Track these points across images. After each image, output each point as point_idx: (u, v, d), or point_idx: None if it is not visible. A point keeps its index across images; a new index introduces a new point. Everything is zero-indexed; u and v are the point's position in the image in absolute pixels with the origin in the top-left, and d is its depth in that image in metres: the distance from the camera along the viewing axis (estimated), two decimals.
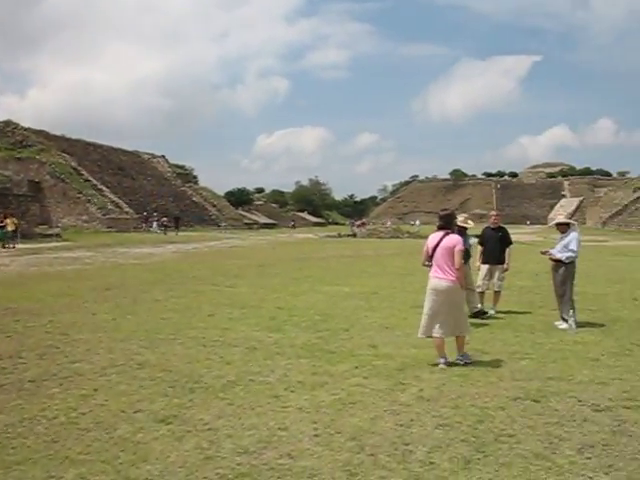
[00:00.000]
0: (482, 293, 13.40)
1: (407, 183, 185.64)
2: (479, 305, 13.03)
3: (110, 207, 65.77)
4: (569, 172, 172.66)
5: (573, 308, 11.41)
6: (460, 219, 13.87)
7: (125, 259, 29.52)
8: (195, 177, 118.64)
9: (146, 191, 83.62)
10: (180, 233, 64.83)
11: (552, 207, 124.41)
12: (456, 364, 8.61)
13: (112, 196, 68.94)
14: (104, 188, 69.60)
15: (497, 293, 13.57)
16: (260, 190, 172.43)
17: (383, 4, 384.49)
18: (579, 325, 11.30)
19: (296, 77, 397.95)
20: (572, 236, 11.46)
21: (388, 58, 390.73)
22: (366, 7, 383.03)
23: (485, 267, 13.50)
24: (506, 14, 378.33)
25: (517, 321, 12.18)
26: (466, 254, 10.54)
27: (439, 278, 8.65)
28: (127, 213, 67.79)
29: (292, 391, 7.40)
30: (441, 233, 8.86)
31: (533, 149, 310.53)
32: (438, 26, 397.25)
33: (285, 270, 23.58)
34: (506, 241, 13.63)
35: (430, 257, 8.88)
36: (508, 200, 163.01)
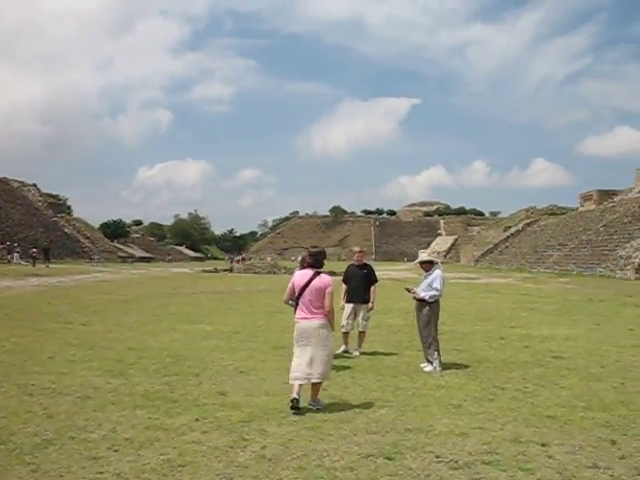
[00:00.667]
0: (346, 333, 12.73)
1: (287, 219, 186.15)
2: (343, 346, 12.39)
3: None
4: (445, 211, 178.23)
5: (438, 349, 10.89)
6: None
7: None
8: (69, 207, 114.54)
9: (13, 220, 79.44)
10: (50, 265, 61.56)
11: (429, 244, 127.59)
12: (309, 410, 7.95)
13: None
14: None
15: (362, 334, 12.90)
16: (138, 222, 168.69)
17: (269, 41, 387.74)
18: (444, 367, 10.81)
19: (180, 110, 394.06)
20: (436, 274, 10.97)
21: (272, 94, 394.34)
22: (252, 43, 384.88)
23: (349, 306, 12.82)
24: (389, 58, 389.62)
25: (382, 363, 11.53)
26: None
27: (308, 319, 8.12)
28: None
29: (116, 450, 6.40)
30: (310, 272, 8.29)
31: (411, 188, 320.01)
32: (323, 65, 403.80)
33: (148, 307, 22.31)
34: (371, 279, 12.97)
35: (297, 297, 8.27)
36: (386, 237, 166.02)
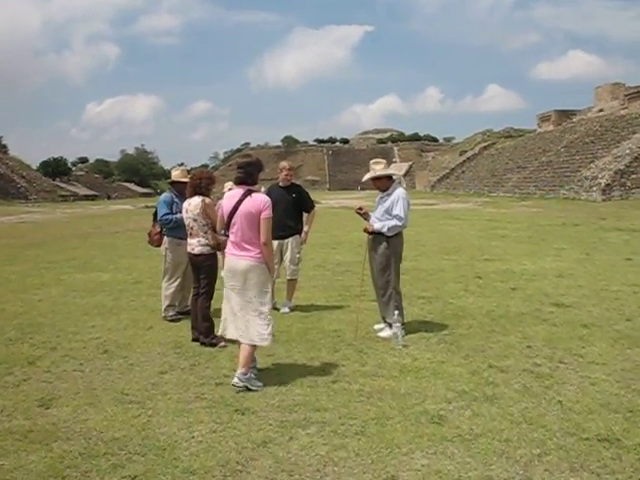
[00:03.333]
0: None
1: (239, 150, 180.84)
2: None
3: None
4: (399, 138, 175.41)
5: (399, 305, 7.53)
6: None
7: None
8: (4, 146, 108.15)
9: None
10: None
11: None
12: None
13: None
14: None
15: (291, 282, 9.46)
16: (84, 160, 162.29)
17: None
18: (409, 328, 7.51)
19: (127, 43, 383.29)
20: (396, 195, 7.48)
21: (222, 24, 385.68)
22: None
23: (274, 243, 9.26)
24: None
25: (318, 326, 8.15)
26: None
27: (237, 256, 5.92)
28: None
29: None
30: (239, 191, 5.98)
31: (365, 117, 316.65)
32: None
33: (50, 252, 18.58)
34: (304, 205, 9.44)
35: (226, 226, 6.03)
36: (340, 166, 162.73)
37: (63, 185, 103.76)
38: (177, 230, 8.51)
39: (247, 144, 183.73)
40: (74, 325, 8.37)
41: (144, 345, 7.25)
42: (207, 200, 7.45)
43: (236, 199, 5.90)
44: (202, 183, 7.54)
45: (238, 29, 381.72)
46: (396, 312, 7.12)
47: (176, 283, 8.72)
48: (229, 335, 6.01)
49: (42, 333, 7.94)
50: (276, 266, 9.13)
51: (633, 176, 43.22)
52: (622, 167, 43.45)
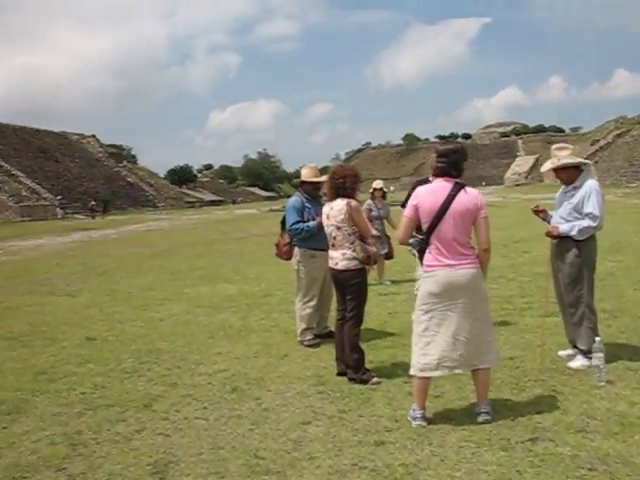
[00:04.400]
0: None
1: (360, 150, 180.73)
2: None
3: (25, 194, 58.89)
4: (522, 131, 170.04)
5: (595, 328, 5.94)
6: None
7: None
8: (133, 157, 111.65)
9: (73, 174, 76.43)
10: (108, 217, 58.20)
11: (508, 166, 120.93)
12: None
13: (28, 182, 61.96)
14: (19, 173, 62.57)
15: None
16: (208, 167, 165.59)
17: None
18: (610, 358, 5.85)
19: (247, 51, 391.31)
20: (589, 187, 5.87)
21: (338, 27, 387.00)
22: None
23: None
24: None
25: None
26: None
27: (452, 266, 4.66)
28: (46, 199, 60.85)
29: None
30: (448, 185, 4.74)
31: (486, 111, 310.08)
32: None
33: (175, 261, 17.90)
34: None
35: (427, 230, 4.72)
36: None
37: (189, 192, 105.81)
38: (311, 240, 7.27)
39: (368, 144, 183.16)
40: (197, 351, 7.26)
41: (279, 381, 6.00)
42: (353, 203, 6.00)
43: (444, 194, 4.66)
44: (347, 182, 6.06)
45: (354, 30, 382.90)
46: (597, 339, 5.53)
47: (313, 302, 7.43)
48: (444, 372, 4.81)
49: (161, 363, 6.86)
50: None
51: None
52: None
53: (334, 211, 6.03)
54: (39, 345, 8.04)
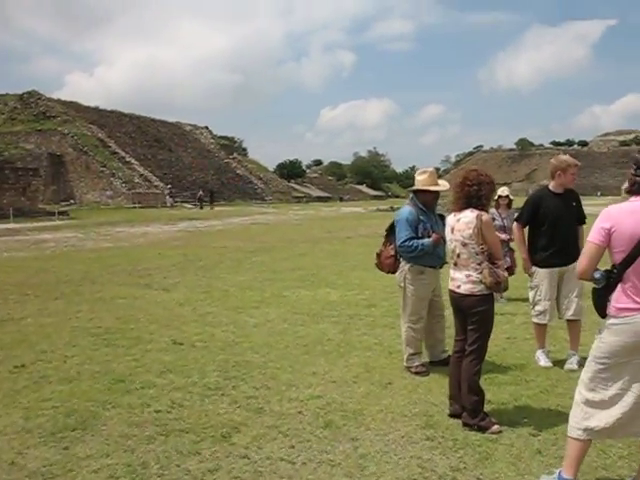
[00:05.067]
0: (544, 327, 6.90)
1: (471, 154, 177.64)
2: (540, 353, 6.87)
3: (137, 181, 60.16)
4: None
5: None
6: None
7: (96, 243, 23.62)
8: (244, 149, 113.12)
9: (184, 163, 77.78)
10: (216, 208, 58.74)
11: (626, 176, 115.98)
12: None
13: (141, 169, 63.33)
14: (133, 161, 64.04)
15: (575, 324, 6.88)
16: (318, 162, 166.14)
17: None
18: None
19: (362, 49, 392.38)
20: None
21: (454, 28, 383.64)
22: None
23: (548, 272, 6.73)
24: None
25: None
26: None
27: None
28: (157, 187, 62.01)
29: None
30: None
31: (605, 118, 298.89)
32: None
33: (276, 258, 17.26)
34: (581, 215, 6.92)
35: (623, 263, 3.65)
36: (577, 170, 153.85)
37: (297, 187, 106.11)
38: (422, 257, 6.35)
39: (480, 147, 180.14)
40: (290, 369, 6.46)
41: (380, 417, 5.10)
42: (485, 217, 4.99)
43: None
44: (482, 191, 5.01)
45: (471, 31, 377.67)
46: None
47: (419, 325, 6.48)
48: (623, 436, 3.95)
49: (249, 380, 6.10)
50: (549, 302, 6.70)
51: None
52: None
53: (461, 224, 5.02)
54: (123, 346, 7.47)
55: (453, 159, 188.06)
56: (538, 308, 6.73)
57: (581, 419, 3.76)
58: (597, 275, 3.70)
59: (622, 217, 3.64)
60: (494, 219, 9.66)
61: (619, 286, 3.67)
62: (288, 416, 5.14)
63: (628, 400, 3.64)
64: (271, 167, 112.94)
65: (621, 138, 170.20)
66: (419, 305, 6.45)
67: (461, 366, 5.02)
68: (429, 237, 6.24)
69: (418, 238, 6.28)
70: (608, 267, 3.69)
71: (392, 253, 6.58)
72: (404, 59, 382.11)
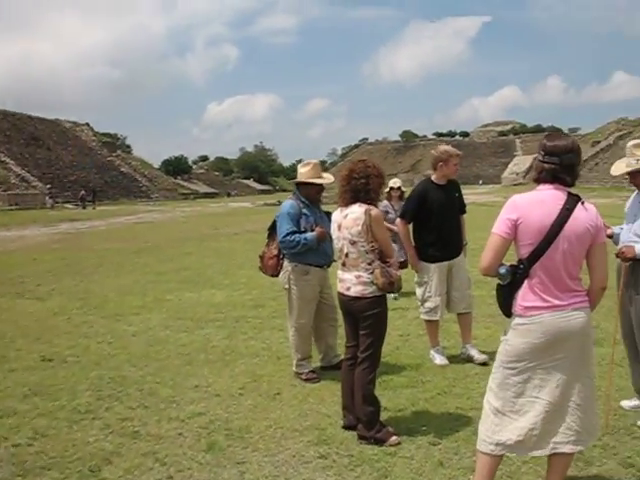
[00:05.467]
0: (435, 323, 6.62)
1: (357, 146, 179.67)
2: (433, 352, 6.56)
3: (14, 181, 57.40)
4: (520, 130, 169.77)
5: None
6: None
7: None
8: (128, 146, 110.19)
9: (64, 162, 74.86)
10: (99, 208, 56.67)
11: (505, 166, 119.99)
12: None
13: (18, 169, 60.48)
14: (8, 160, 61.09)
15: (466, 316, 6.70)
16: (204, 158, 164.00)
17: None
18: None
19: (246, 44, 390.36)
20: None
21: (337, 22, 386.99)
22: None
23: (437, 267, 6.50)
24: None
25: None
26: None
27: (560, 308, 3.32)
28: (35, 188, 59.35)
29: None
30: (561, 196, 3.37)
31: (484, 109, 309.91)
32: None
33: (161, 259, 16.52)
34: (462, 205, 6.84)
35: (529, 257, 3.35)
36: (460, 160, 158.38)
37: (184, 183, 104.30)
38: (306, 254, 5.94)
39: (365, 139, 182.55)
40: (171, 383, 5.95)
41: (269, 434, 4.66)
42: (375, 211, 4.56)
43: (557, 208, 3.33)
44: (370, 184, 4.59)
45: (353, 26, 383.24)
46: None
47: (307, 329, 6.12)
48: (543, 452, 3.44)
49: (125, 399, 5.55)
50: (440, 298, 6.46)
51: None
52: None
53: (348, 220, 4.59)
54: None
55: (340, 152, 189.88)
56: (428, 305, 6.45)
57: (492, 432, 3.42)
58: (502, 271, 3.37)
59: (529, 208, 3.34)
60: (387, 212, 9.36)
61: (525, 283, 3.35)
62: (167, 439, 4.64)
63: (540, 408, 3.33)
64: (157, 164, 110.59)
65: (499, 129, 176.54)
66: (305, 308, 6.05)
67: (354, 374, 4.63)
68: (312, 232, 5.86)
69: (301, 232, 5.88)
70: (514, 262, 3.38)
71: (275, 253, 6.12)
72: (289, 53, 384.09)
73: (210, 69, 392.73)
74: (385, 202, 9.78)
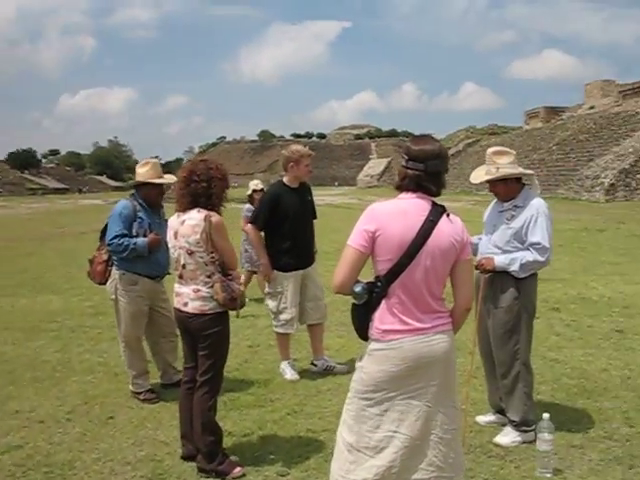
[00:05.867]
0: (287, 336, 6.28)
1: (214, 145, 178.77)
2: (285, 364, 6.16)
3: None
4: (376, 134, 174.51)
5: (530, 393, 4.54)
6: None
7: None
8: None
9: None
10: None
11: (361, 168, 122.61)
12: None
13: None
14: None
15: (318, 328, 6.41)
16: (54, 152, 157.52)
17: None
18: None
19: (103, 35, 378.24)
20: (534, 209, 4.41)
21: (198, 18, 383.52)
22: None
23: (292, 276, 6.13)
24: None
25: None
26: None
27: (422, 332, 2.95)
28: None
29: None
30: (425, 206, 3.01)
31: (342, 112, 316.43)
32: None
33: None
34: (314, 210, 6.49)
35: (387, 274, 2.94)
36: (317, 161, 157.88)
37: (32, 178, 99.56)
38: (135, 262, 5.41)
39: (223, 138, 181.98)
40: None
41: (96, 469, 4.10)
42: (216, 218, 4.07)
43: (419, 219, 2.96)
44: (212, 188, 4.09)
45: (215, 23, 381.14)
46: (545, 415, 4.05)
47: (138, 344, 5.62)
48: None
49: None
50: (296, 309, 6.12)
51: (638, 176, 40.90)
52: (627, 166, 41.15)
53: (186, 227, 4.07)
54: None
55: (197, 150, 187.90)
56: (284, 317, 6.06)
57: (346, 471, 3.01)
58: (357, 289, 2.97)
59: (389, 219, 2.95)
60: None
61: (383, 303, 2.97)
62: None
63: (399, 444, 2.95)
64: (1, 156, 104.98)
65: (356, 132, 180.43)
66: (134, 322, 5.52)
67: (192, 400, 4.14)
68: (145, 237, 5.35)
69: (132, 237, 5.34)
70: (371, 279, 3.01)
71: (105, 258, 5.55)
72: (148, 47, 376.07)
73: (64, 58, 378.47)
74: (248, 205, 9.43)
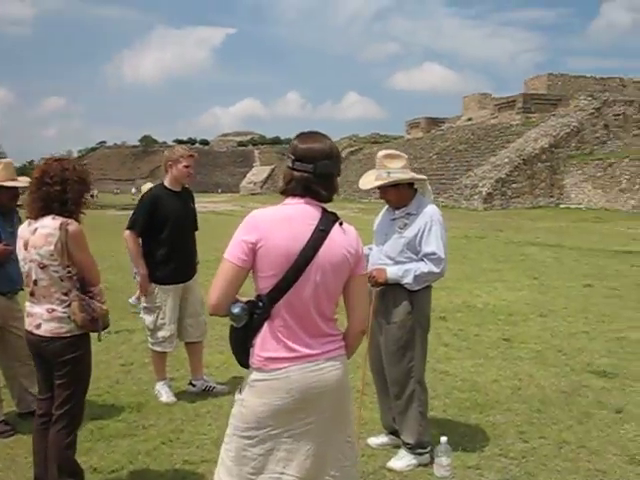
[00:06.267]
0: (166, 355, 5.81)
1: (94, 149, 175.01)
2: (161, 385, 5.69)
3: None
4: (259, 141, 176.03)
5: (424, 413, 4.26)
6: None
7: None
8: None
9: None
10: None
11: (244, 175, 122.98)
12: None
13: None
14: None
15: (196, 346, 5.95)
16: None
17: None
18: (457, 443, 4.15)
19: None
20: (428, 216, 4.16)
21: (78, 18, 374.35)
22: None
23: (174, 289, 5.66)
24: None
25: None
26: None
27: (312, 358, 2.55)
28: None
29: None
30: (314, 214, 2.59)
31: (226, 119, 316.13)
32: None
33: None
34: (196, 218, 6.02)
35: (271, 291, 2.51)
36: (200, 168, 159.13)
37: None
38: None
39: (103, 142, 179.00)
40: None
41: None
42: (73, 227, 3.52)
43: (309, 229, 2.57)
44: (68, 192, 3.54)
45: (96, 23, 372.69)
46: (443, 439, 3.79)
47: None
48: None
49: None
50: (175, 325, 5.65)
51: (514, 185, 42.82)
52: (503, 176, 42.89)
53: (37, 237, 3.50)
54: None
55: (75, 154, 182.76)
56: (162, 334, 5.56)
57: None
58: (236, 310, 2.53)
59: (272, 227, 2.54)
60: None
61: (266, 326, 2.56)
62: None
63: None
64: None
65: (239, 139, 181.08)
66: None
67: (47, 438, 3.57)
68: None
69: None
70: (252, 298, 2.59)
71: None
72: (23, 45, 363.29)
73: None
74: None
